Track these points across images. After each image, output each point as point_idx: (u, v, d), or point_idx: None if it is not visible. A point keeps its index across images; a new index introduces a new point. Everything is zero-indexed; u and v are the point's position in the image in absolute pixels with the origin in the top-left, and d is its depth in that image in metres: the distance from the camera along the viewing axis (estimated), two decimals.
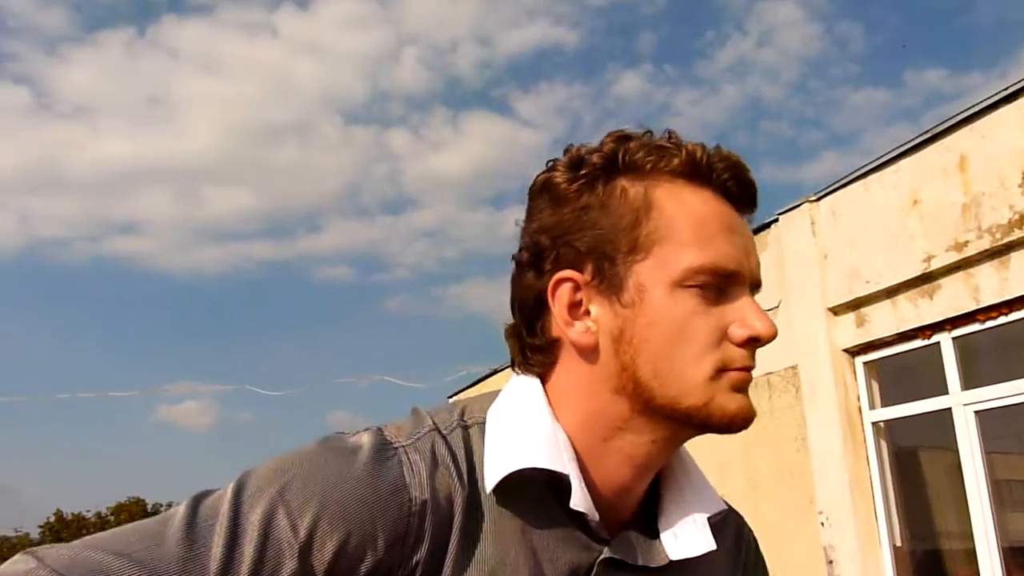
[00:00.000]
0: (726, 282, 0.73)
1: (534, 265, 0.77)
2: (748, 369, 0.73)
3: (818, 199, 5.43)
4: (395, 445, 0.73)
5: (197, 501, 0.69)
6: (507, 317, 0.82)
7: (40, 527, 38.15)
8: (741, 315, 0.73)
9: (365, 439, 0.73)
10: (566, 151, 0.78)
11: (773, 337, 0.73)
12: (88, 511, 39.19)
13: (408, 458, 0.72)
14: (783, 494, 5.57)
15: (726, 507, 0.85)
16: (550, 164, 0.78)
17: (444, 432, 0.75)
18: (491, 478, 0.72)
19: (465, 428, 0.76)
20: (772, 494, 5.62)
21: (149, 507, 39.09)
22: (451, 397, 13.18)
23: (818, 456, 5.33)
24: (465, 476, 0.72)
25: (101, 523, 38.10)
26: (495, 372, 11.27)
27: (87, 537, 0.66)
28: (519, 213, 0.80)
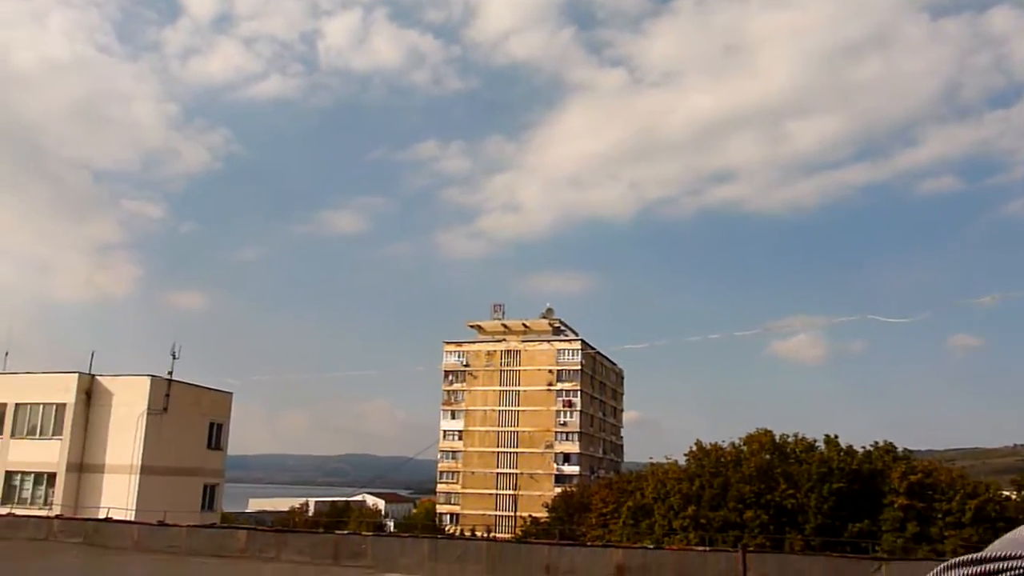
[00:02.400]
0: None
1: None
2: None
3: None
4: None
5: None
6: None
7: (685, 455, 42.82)
8: None
9: None
10: None
11: None
12: (723, 441, 42.73)
13: None
14: None
15: None
16: None
17: None
18: None
19: None
20: None
21: (777, 438, 41.27)
22: None
23: None
24: None
25: (735, 452, 41.16)
26: None
27: None
28: None
